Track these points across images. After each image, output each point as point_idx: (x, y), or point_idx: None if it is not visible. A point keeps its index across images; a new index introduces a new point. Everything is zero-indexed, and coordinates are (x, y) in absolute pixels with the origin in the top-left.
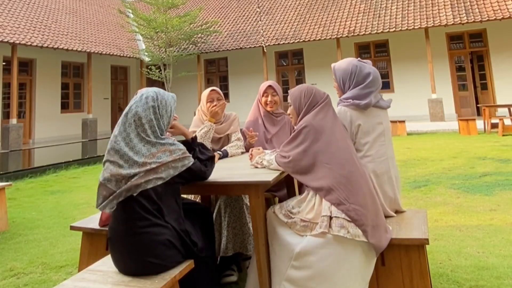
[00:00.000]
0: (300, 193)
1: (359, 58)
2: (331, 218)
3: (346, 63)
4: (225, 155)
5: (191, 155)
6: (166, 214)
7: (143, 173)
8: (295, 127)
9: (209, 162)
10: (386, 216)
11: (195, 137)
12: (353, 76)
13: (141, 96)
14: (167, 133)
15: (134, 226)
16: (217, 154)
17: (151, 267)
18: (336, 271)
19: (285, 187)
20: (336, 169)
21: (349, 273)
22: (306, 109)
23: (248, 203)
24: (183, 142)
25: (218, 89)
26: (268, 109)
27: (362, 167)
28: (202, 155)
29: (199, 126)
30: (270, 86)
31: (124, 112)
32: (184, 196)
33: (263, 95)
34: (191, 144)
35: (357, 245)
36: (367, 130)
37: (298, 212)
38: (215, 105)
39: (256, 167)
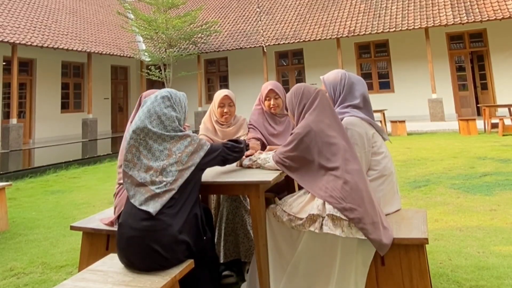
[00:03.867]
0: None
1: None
2: (323, 217)
3: (334, 72)
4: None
5: (207, 142)
6: (181, 205)
7: (173, 166)
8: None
9: (238, 147)
10: (393, 212)
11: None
12: (343, 82)
13: (156, 97)
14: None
15: (147, 212)
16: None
17: (155, 257)
18: (334, 268)
19: (285, 187)
20: (332, 172)
21: (346, 270)
22: (298, 109)
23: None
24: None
25: (231, 94)
26: (272, 111)
27: (360, 166)
28: (239, 144)
29: (208, 129)
30: (272, 90)
31: (141, 112)
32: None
33: (265, 99)
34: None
35: (353, 243)
36: (377, 135)
37: (289, 205)
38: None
39: (250, 167)
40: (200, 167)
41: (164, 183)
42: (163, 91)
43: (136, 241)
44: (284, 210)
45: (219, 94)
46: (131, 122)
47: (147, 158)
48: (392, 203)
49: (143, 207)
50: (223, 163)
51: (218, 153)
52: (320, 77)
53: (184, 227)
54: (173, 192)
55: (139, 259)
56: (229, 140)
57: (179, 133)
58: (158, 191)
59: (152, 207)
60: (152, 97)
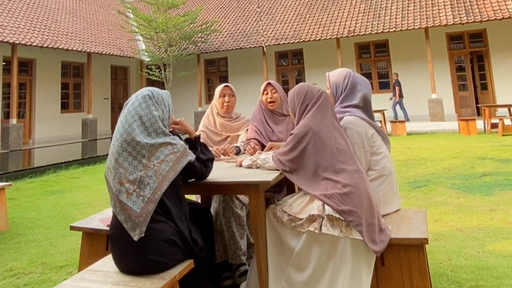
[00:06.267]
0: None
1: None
2: (323, 217)
3: (339, 70)
4: (239, 150)
5: (191, 152)
6: (168, 211)
7: (151, 179)
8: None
9: (209, 162)
10: (393, 212)
11: (199, 136)
12: (347, 81)
13: (137, 97)
14: (171, 128)
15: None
16: (234, 148)
17: (151, 265)
18: (333, 269)
19: (285, 187)
20: (331, 174)
21: (347, 271)
22: (299, 109)
23: (239, 212)
24: (186, 140)
25: (231, 85)
26: (270, 107)
27: (360, 167)
28: (203, 155)
29: (208, 123)
30: (269, 83)
31: (123, 115)
32: (185, 196)
33: (263, 94)
34: (193, 142)
35: (353, 245)
36: (377, 135)
37: (289, 205)
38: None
39: (250, 167)
40: (181, 177)
41: (141, 198)
42: (144, 90)
43: (129, 252)
44: (284, 211)
45: (220, 86)
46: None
47: (123, 167)
48: (392, 203)
49: (126, 229)
50: (196, 176)
51: (199, 167)
52: (326, 73)
53: (175, 229)
54: (152, 208)
55: (137, 269)
56: (202, 154)
57: (160, 140)
58: (135, 209)
59: (133, 232)
60: (133, 97)
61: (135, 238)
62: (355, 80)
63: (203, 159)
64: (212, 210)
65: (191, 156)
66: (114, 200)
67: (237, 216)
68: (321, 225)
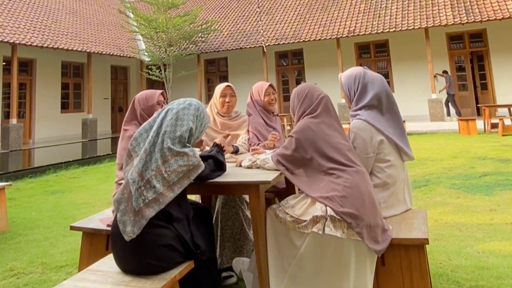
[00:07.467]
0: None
1: (364, 66)
2: (326, 218)
3: (350, 71)
4: (236, 149)
5: (203, 164)
6: (168, 215)
7: (159, 183)
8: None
9: (219, 166)
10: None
11: (223, 150)
12: (358, 82)
13: (185, 101)
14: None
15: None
16: (230, 148)
17: (151, 268)
18: (337, 269)
19: (285, 187)
20: (330, 176)
21: (351, 272)
22: (298, 109)
23: (246, 212)
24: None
25: (232, 85)
26: (271, 107)
27: (361, 167)
28: (219, 156)
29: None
30: (271, 85)
31: (163, 110)
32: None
33: (265, 95)
34: (217, 145)
35: (356, 245)
36: (386, 142)
37: (291, 207)
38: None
39: (250, 167)
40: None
41: (143, 198)
42: (194, 101)
43: (130, 254)
44: (286, 212)
45: (221, 85)
46: (126, 122)
47: (145, 160)
48: (392, 209)
49: (120, 226)
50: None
51: (206, 174)
52: (339, 75)
53: (176, 233)
54: (150, 213)
55: (135, 268)
56: (214, 160)
57: (178, 149)
58: (134, 205)
59: (125, 229)
60: (181, 100)
61: (126, 238)
62: (366, 80)
63: (219, 159)
64: (219, 215)
65: (201, 169)
66: (126, 185)
67: (245, 216)
68: (324, 226)
